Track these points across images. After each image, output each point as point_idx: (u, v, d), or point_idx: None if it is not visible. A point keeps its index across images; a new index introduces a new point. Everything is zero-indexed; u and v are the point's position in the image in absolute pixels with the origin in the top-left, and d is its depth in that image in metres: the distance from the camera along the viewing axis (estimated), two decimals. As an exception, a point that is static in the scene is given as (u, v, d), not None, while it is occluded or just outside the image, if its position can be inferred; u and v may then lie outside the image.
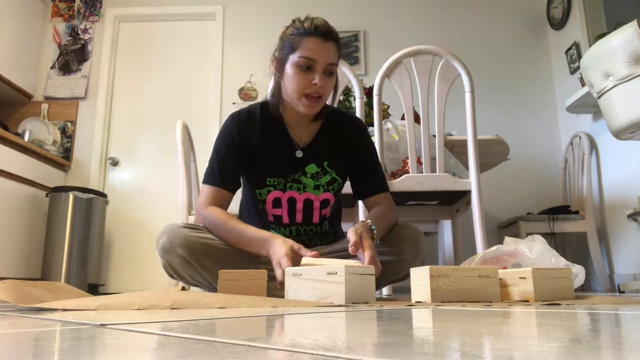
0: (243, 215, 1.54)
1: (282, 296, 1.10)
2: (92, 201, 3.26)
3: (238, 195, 1.50)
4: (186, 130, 2.35)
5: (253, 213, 1.49)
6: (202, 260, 1.29)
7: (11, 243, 3.00)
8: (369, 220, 1.32)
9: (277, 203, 1.44)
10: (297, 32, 1.33)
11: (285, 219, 1.45)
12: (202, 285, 1.38)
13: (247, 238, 1.29)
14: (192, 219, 2.13)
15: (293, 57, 1.32)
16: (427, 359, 0.32)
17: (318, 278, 1.01)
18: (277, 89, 1.42)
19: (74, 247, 3.13)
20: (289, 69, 1.34)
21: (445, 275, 1.01)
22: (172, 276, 1.38)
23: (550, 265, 1.19)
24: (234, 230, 1.31)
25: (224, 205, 1.41)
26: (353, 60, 3.84)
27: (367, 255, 1.17)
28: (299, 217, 1.45)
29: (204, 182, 1.43)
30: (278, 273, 1.15)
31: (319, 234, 1.49)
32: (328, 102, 1.48)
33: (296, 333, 0.50)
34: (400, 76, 1.97)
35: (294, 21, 1.36)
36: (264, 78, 3.68)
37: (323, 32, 1.31)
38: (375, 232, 1.31)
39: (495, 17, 3.93)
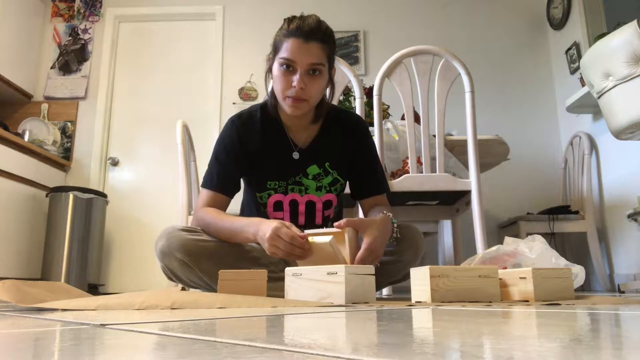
0: (244, 216, 1.54)
1: (282, 296, 1.10)
2: (92, 201, 3.26)
3: (238, 194, 1.50)
4: (186, 130, 2.35)
5: (254, 214, 1.48)
6: (201, 263, 1.29)
7: (11, 243, 3.00)
8: (390, 214, 1.32)
9: (278, 206, 1.44)
10: (282, 34, 1.32)
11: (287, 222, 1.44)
12: (201, 288, 1.38)
13: (237, 225, 1.29)
14: (191, 219, 2.13)
15: (277, 59, 1.33)
16: (427, 359, 0.32)
17: (318, 278, 1.01)
18: (273, 90, 1.42)
19: (74, 247, 3.13)
20: (274, 70, 1.35)
21: (445, 275, 1.01)
22: (171, 279, 1.38)
23: (550, 265, 1.19)
24: (225, 223, 1.31)
25: (222, 208, 1.41)
26: (353, 60, 3.83)
27: (362, 251, 1.17)
28: (301, 220, 1.45)
29: (203, 186, 1.43)
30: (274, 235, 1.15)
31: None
32: (327, 102, 1.48)
33: (296, 333, 0.50)
34: (400, 76, 1.97)
35: (284, 21, 1.34)
36: (264, 78, 3.67)
37: (305, 32, 1.29)
38: (396, 226, 1.31)
39: (495, 17, 3.93)
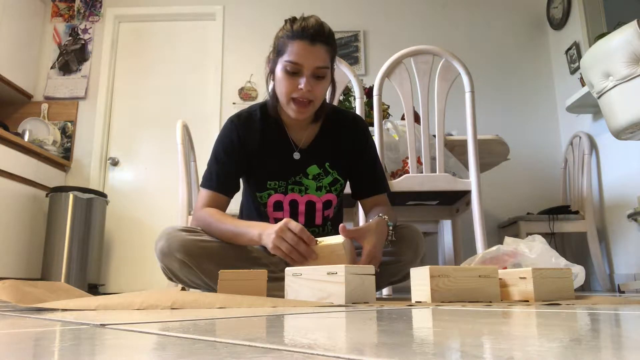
0: (243, 216, 1.54)
1: (282, 296, 1.10)
2: (92, 201, 3.26)
3: (238, 195, 1.50)
4: (186, 130, 2.35)
5: (254, 214, 1.48)
6: (201, 264, 1.29)
7: (11, 243, 3.00)
8: (385, 216, 1.32)
9: (278, 206, 1.44)
10: (285, 35, 1.31)
11: None
12: (201, 288, 1.38)
13: (241, 227, 1.29)
14: (191, 219, 2.13)
15: (281, 61, 1.31)
16: (427, 359, 0.32)
17: (318, 278, 1.01)
18: (274, 91, 1.42)
19: (74, 247, 3.13)
20: (278, 72, 1.33)
21: (445, 275, 1.01)
22: (170, 279, 1.38)
23: (550, 265, 1.19)
24: (227, 225, 1.31)
25: (222, 208, 1.40)
26: (353, 60, 3.83)
27: (364, 252, 1.18)
28: (301, 220, 1.44)
29: (202, 185, 1.43)
30: (280, 233, 1.15)
31: (322, 236, 1.48)
32: (327, 102, 1.48)
33: (296, 333, 0.50)
34: (400, 76, 1.97)
35: (285, 22, 1.33)
36: (264, 78, 3.67)
37: (310, 34, 1.28)
38: (391, 228, 1.31)
39: (495, 17, 3.93)
